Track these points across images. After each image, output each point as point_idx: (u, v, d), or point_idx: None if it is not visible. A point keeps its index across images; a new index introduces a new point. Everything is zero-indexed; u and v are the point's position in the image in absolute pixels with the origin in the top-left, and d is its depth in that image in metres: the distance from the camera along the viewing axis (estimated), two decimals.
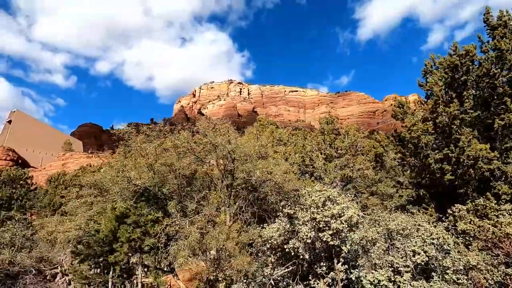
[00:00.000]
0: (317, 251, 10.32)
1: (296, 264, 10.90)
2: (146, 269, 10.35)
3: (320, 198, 9.47)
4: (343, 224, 9.03)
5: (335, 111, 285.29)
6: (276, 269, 10.69)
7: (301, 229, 9.36)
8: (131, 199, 9.88)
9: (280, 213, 10.35)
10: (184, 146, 11.00)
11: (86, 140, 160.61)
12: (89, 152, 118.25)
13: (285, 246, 9.87)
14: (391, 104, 18.35)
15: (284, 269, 10.68)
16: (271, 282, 10.41)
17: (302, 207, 9.87)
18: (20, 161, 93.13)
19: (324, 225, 9.17)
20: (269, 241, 10.64)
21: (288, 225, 9.87)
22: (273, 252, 10.94)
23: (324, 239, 9.09)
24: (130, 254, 9.36)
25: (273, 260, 10.77)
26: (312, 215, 9.40)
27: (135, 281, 12.21)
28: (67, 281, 11.81)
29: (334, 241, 9.21)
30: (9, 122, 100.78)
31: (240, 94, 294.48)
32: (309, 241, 9.37)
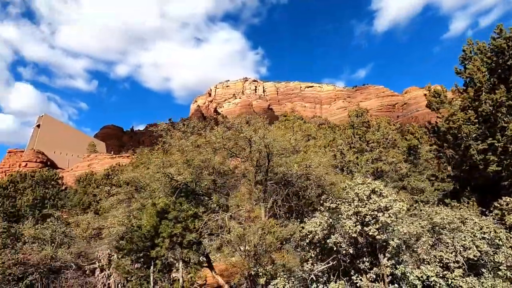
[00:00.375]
0: (359, 245, 9.96)
1: (337, 259, 10.57)
2: (185, 264, 10.35)
3: (364, 191, 9.09)
4: (391, 217, 8.61)
5: (353, 106, 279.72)
6: (315, 264, 10.41)
7: (345, 223, 9.02)
8: (171, 195, 9.91)
9: (321, 207, 10.04)
10: (218, 142, 10.90)
11: (108, 142, 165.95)
12: (112, 153, 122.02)
13: (328, 241, 9.57)
14: (426, 94, 17.43)
15: (325, 265, 10.38)
16: (312, 278, 10.15)
17: (344, 200, 9.52)
18: (48, 162, 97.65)
19: (370, 219, 8.79)
20: (309, 236, 10.38)
21: (331, 220, 9.55)
22: (312, 247, 10.66)
23: (370, 233, 8.71)
24: (171, 249, 9.38)
25: (312, 255, 10.50)
26: (356, 208, 9.03)
27: (173, 276, 12.31)
28: (107, 275, 12.02)
29: (381, 235, 8.81)
30: (38, 126, 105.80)
31: (255, 91, 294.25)
32: (354, 235, 9.01)
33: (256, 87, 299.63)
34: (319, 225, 9.50)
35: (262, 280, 9.74)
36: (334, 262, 10.49)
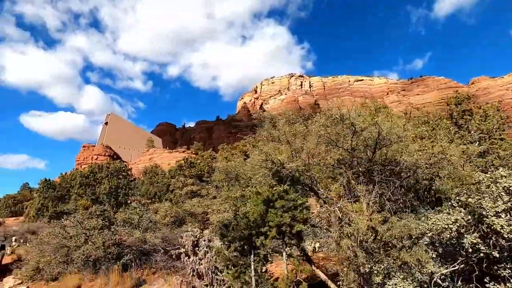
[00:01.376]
0: (497, 248, 8.25)
1: (465, 263, 8.94)
2: (287, 256, 9.66)
3: None
4: None
5: (408, 99, 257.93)
6: (438, 266, 8.92)
7: (493, 221, 7.43)
8: (275, 184, 9.31)
9: (453, 201, 8.51)
10: (322, 131, 9.93)
11: (163, 138, 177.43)
12: (167, 148, 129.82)
13: (463, 241, 8.06)
14: None
15: (451, 268, 8.83)
16: (436, 281, 8.70)
17: (485, 195, 7.91)
18: (115, 156, 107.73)
19: None
20: (429, 234, 8.94)
21: (469, 216, 8.01)
22: (432, 246, 9.19)
23: None
24: (276, 239, 8.73)
25: (433, 256, 9.03)
26: (506, 204, 7.38)
27: (268, 267, 11.84)
28: (197, 260, 11.89)
29: None
30: (106, 123, 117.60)
31: (301, 87, 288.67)
32: (507, 236, 7.38)
33: (302, 82, 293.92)
34: (455, 222, 8.01)
35: (378, 279, 8.60)
36: (461, 266, 8.90)
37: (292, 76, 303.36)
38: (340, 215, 8.17)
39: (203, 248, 12.20)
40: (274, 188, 8.67)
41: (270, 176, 9.54)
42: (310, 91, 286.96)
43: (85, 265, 13.90)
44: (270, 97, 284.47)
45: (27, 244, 27.08)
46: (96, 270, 13.79)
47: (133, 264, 14.16)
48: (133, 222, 16.84)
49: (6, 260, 22.29)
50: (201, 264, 12.42)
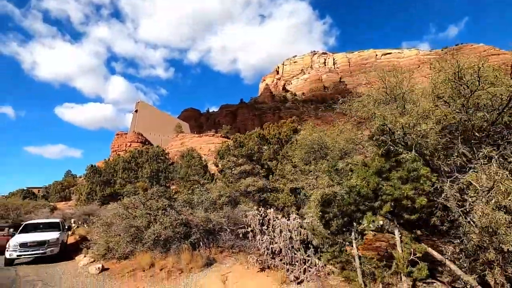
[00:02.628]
0: None
1: None
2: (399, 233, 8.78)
3: None
4: None
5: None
6: None
7: None
8: (383, 155, 8.33)
9: None
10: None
11: (188, 123, 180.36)
12: (195, 132, 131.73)
13: None
14: None
15: None
16: None
17: None
18: (146, 142, 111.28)
19: None
20: None
21: None
22: None
23: None
24: (388, 215, 7.89)
25: None
26: None
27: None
28: (266, 239, 11.44)
29: None
30: (136, 111, 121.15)
31: (325, 65, 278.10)
32: None
33: (325, 60, 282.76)
34: None
35: None
36: None
37: (315, 53, 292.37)
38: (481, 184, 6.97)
39: (278, 227, 11.79)
40: (388, 159, 7.75)
41: (377, 147, 8.50)
42: (334, 68, 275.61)
43: (154, 244, 14.10)
44: (293, 77, 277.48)
45: (85, 225, 28.70)
46: (167, 249, 13.94)
47: (200, 243, 14.16)
48: (192, 202, 16.81)
49: (70, 240, 23.66)
50: (276, 242, 12.06)
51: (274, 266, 11.87)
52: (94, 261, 15.85)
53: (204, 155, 68.07)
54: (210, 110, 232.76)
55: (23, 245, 16.28)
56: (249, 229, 14.17)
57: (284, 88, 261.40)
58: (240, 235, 14.18)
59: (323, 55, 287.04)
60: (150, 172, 41.32)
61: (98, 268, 13.85)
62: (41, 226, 18.80)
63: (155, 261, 13.49)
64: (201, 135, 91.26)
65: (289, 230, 11.17)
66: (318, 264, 10.18)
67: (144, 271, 13.05)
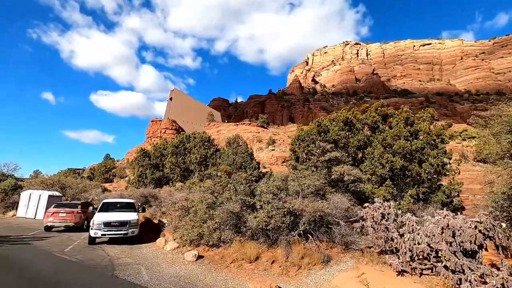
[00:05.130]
0: None
1: None
2: None
3: None
4: None
5: (488, 64, 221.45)
6: None
7: None
8: None
9: None
10: None
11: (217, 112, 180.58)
12: (226, 121, 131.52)
13: None
14: None
15: None
16: None
17: None
18: (180, 130, 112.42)
19: None
20: None
21: None
22: None
23: None
24: None
25: None
26: None
27: None
28: (409, 238, 9.57)
29: None
30: (170, 99, 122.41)
31: (357, 56, 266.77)
32: None
33: (358, 50, 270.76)
34: None
35: None
36: None
37: (347, 44, 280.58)
38: None
39: (412, 224, 9.76)
40: None
41: None
42: (367, 59, 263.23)
43: (257, 234, 12.62)
44: (323, 68, 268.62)
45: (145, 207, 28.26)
46: (270, 240, 12.40)
47: (308, 235, 12.47)
48: (286, 189, 15.11)
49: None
50: (420, 243, 10.06)
51: (413, 270, 9.92)
52: (178, 246, 14.74)
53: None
54: (237, 100, 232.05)
55: (107, 224, 15.53)
56: (368, 223, 12.31)
57: (313, 80, 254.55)
58: (358, 230, 12.33)
59: (355, 45, 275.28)
60: (199, 157, 40.60)
61: (195, 255, 12.61)
62: (118, 205, 18.08)
63: (261, 251, 12.01)
64: (237, 123, 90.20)
65: (453, 230, 9.06)
66: (499, 275, 8.06)
67: (250, 262, 11.61)
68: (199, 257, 12.72)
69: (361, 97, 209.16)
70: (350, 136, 19.43)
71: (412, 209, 15.22)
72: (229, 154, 44.51)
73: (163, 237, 16.58)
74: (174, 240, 15.27)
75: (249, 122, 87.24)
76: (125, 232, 15.74)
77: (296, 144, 20.35)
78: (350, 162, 18.47)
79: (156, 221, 21.89)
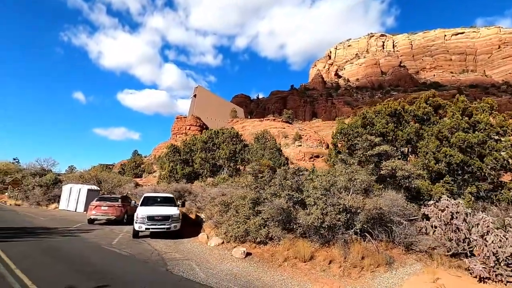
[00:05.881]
0: None
1: None
2: None
3: None
4: None
5: None
6: None
7: None
8: None
9: None
10: None
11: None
12: (248, 117, 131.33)
13: None
14: None
15: None
16: None
17: None
18: (204, 126, 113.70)
19: None
20: None
21: None
22: None
23: None
24: None
25: None
26: None
27: None
28: (493, 241, 8.44)
29: None
30: (194, 96, 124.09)
31: (383, 48, 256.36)
32: None
33: (383, 42, 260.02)
34: None
35: None
36: None
37: (372, 36, 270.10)
38: None
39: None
40: None
41: None
42: (394, 51, 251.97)
43: (309, 231, 11.92)
44: (346, 62, 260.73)
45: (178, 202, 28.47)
46: (326, 238, 11.66)
47: (365, 234, 11.59)
48: (334, 184, 14.21)
49: None
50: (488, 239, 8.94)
51: (497, 277, 8.79)
52: (223, 242, 14.37)
53: None
54: (258, 96, 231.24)
55: (150, 218, 15.48)
56: (435, 222, 11.25)
57: (336, 74, 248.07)
58: (424, 230, 11.30)
59: (381, 37, 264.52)
60: (228, 152, 40.45)
61: (243, 252, 12.14)
62: (158, 200, 18.07)
63: (315, 250, 11.33)
64: (262, 119, 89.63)
65: None
66: None
67: (305, 262, 10.95)
68: (247, 254, 12.24)
69: (387, 91, 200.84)
70: (398, 129, 18.14)
71: (474, 208, 13.90)
72: (257, 150, 44.06)
73: (204, 232, 16.35)
74: (217, 236, 14.94)
75: (273, 118, 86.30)
76: (168, 226, 15.62)
77: (338, 138, 19.33)
78: (399, 157, 17.24)
79: (193, 216, 21.81)
